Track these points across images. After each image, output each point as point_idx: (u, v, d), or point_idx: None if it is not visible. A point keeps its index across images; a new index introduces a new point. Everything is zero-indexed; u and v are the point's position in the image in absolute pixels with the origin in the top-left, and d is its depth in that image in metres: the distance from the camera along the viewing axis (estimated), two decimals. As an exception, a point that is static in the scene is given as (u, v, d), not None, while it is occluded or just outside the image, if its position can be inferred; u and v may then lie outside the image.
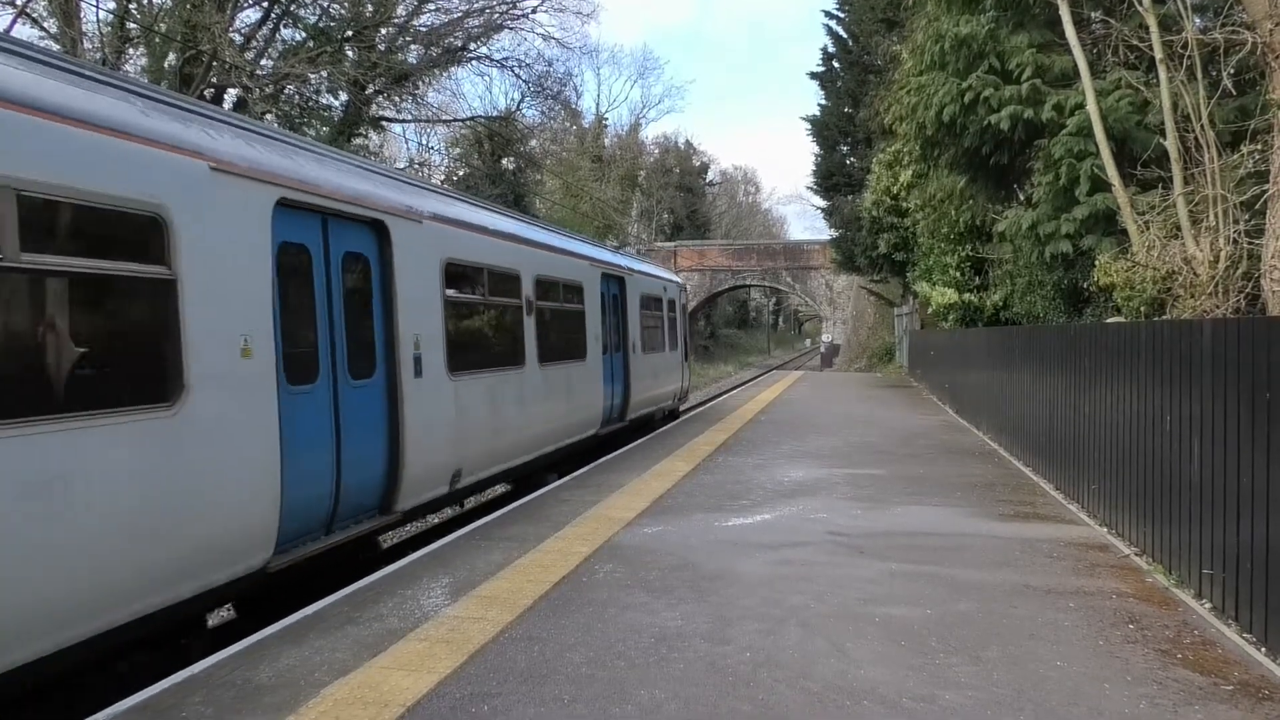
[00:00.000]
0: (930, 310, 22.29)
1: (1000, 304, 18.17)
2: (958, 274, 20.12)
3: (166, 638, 5.18)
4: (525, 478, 10.62)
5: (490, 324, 9.54)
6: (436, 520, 10.52)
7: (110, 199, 4.55)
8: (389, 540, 9.24)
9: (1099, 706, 3.96)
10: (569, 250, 12.26)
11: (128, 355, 4.81)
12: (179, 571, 4.91)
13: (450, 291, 8.26)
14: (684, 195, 62.32)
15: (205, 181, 5.22)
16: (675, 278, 20.42)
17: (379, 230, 7.16)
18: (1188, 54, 8.84)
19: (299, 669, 4.52)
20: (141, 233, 4.78)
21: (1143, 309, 9.09)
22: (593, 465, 11.18)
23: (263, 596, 6.04)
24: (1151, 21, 9.26)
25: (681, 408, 19.60)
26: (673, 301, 18.79)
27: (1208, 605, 5.26)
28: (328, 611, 5.45)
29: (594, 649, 4.72)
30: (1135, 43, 9.87)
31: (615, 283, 14.38)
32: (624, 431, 14.28)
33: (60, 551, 4.16)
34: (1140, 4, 9.40)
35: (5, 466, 3.91)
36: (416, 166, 35.75)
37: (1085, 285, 10.97)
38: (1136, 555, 6.45)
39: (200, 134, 5.38)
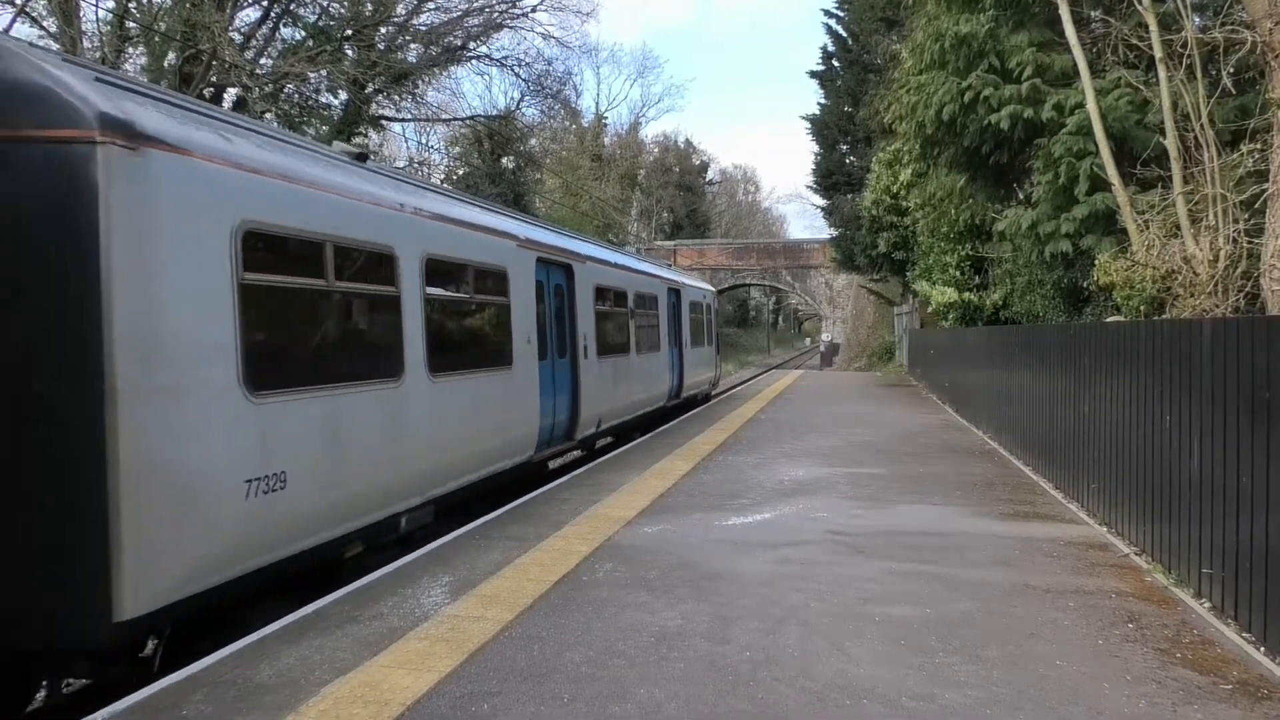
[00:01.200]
0: (930, 309, 22.30)
1: (1000, 303, 18.18)
2: (957, 273, 20.13)
3: (495, 493, 9.26)
4: (622, 434, 14.70)
5: (613, 325, 13.92)
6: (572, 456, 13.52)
7: (492, 265, 9.22)
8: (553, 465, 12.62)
9: (1098, 706, 3.96)
10: (651, 274, 17.18)
11: (497, 343, 9.37)
12: (507, 452, 9.43)
13: (596, 305, 12.81)
14: (684, 194, 62.39)
15: (515, 251, 9.83)
16: (710, 287, 25.04)
17: (567, 269, 11.75)
18: (1187, 53, 8.84)
19: (299, 668, 4.52)
20: (501, 280, 9.42)
21: (1142, 308, 9.09)
22: (592, 464, 11.20)
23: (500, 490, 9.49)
24: (1151, 21, 9.26)
25: (714, 393, 23.82)
26: (709, 306, 23.73)
27: (1207, 604, 5.27)
28: (328, 610, 5.45)
29: (594, 648, 4.73)
30: (1135, 42, 9.87)
31: (674, 294, 18.68)
32: (679, 406, 18.85)
33: (482, 431, 8.78)
34: (1140, 3, 9.40)
35: (467, 389, 8.41)
36: (416, 165, 35.75)
37: (1085, 284, 10.98)
38: (1136, 554, 6.46)
39: (511, 224, 10.30)
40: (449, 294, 8.24)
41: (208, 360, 5.11)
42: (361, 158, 7.64)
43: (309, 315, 6.22)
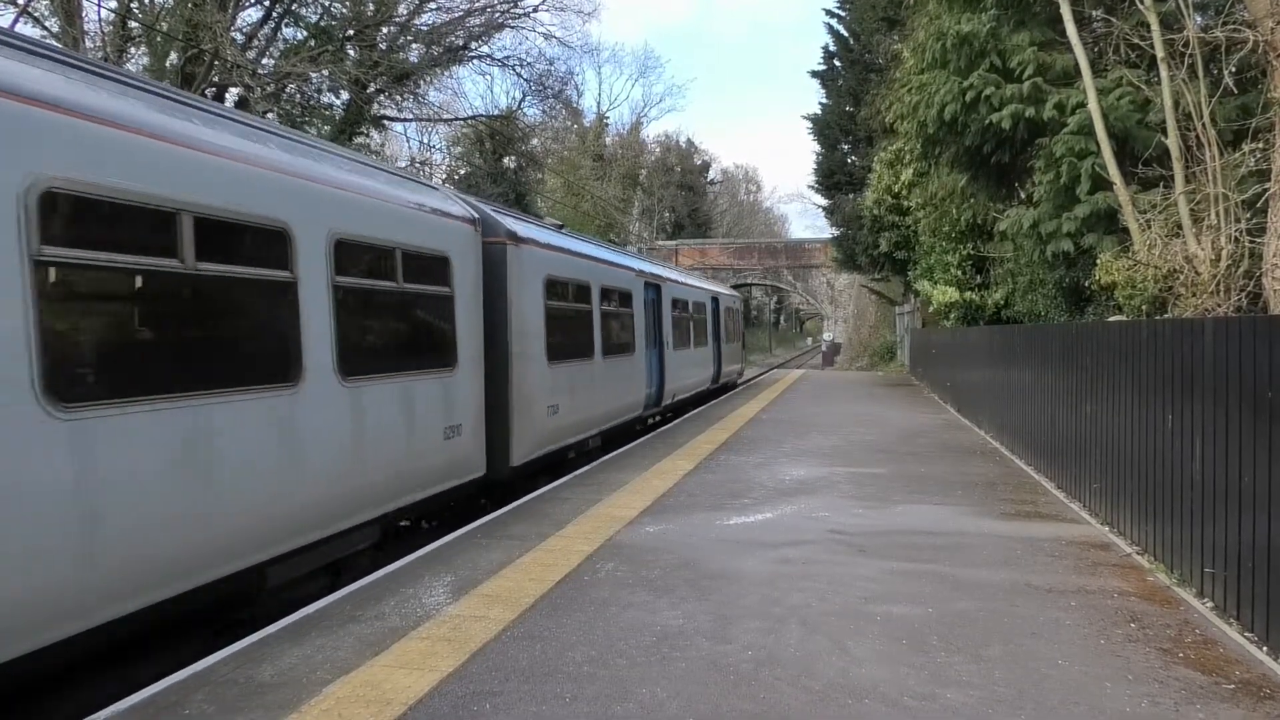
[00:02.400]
0: (931, 309, 22.28)
1: (1001, 302, 18.17)
2: (959, 272, 20.12)
3: (622, 433, 13.79)
4: (677, 408, 18.66)
5: (682, 326, 18.92)
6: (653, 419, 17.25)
7: (624, 288, 13.96)
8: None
9: (1100, 705, 3.96)
10: (703, 288, 22.72)
11: (627, 337, 14.02)
12: (630, 409, 14.12)
13: (673, 312, 17.83)
14: (685, 194, 62.30)
15: (634, 278, 14.66)
16: (736, 294, 30.70)
17: (658, 288, 16.62)
18: (1189, 52, 8.83)
19: (301, 667, 4.53)
20: (628, 297, 14.21)
21: (1144, 307, 9.08)
22: (594, 464, 11.21)
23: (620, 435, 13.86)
24: (1153, 20, 9.25)
25: (739, 381, 29.34)
26: (738, 311, 29.82)
27: (1209, 604, 5.26)
28: (330, 610, 5.46)
29: (595, 647, 4.73)
30: (1136, 41, 9.87)
31: (715, 302, 24.00)
32: (716, 390, 23.85)
33: (621, 393, 13.61)
34: (1141, 2, 9.40)
35: (616, 365, 13.18)
36: (418, 165, 35.74)
37: (1086, 284, 10.97)
38: (1138, 554, 6.46)
39: (633, 260, 15.89)
40: (609, 307, 13.09)
41: (535, 342, 9.92)
42: (560, 228, 12.60)
43: (559, 321, 10.75)
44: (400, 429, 7.15)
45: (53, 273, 4.25)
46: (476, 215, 8.83)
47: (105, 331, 4.70)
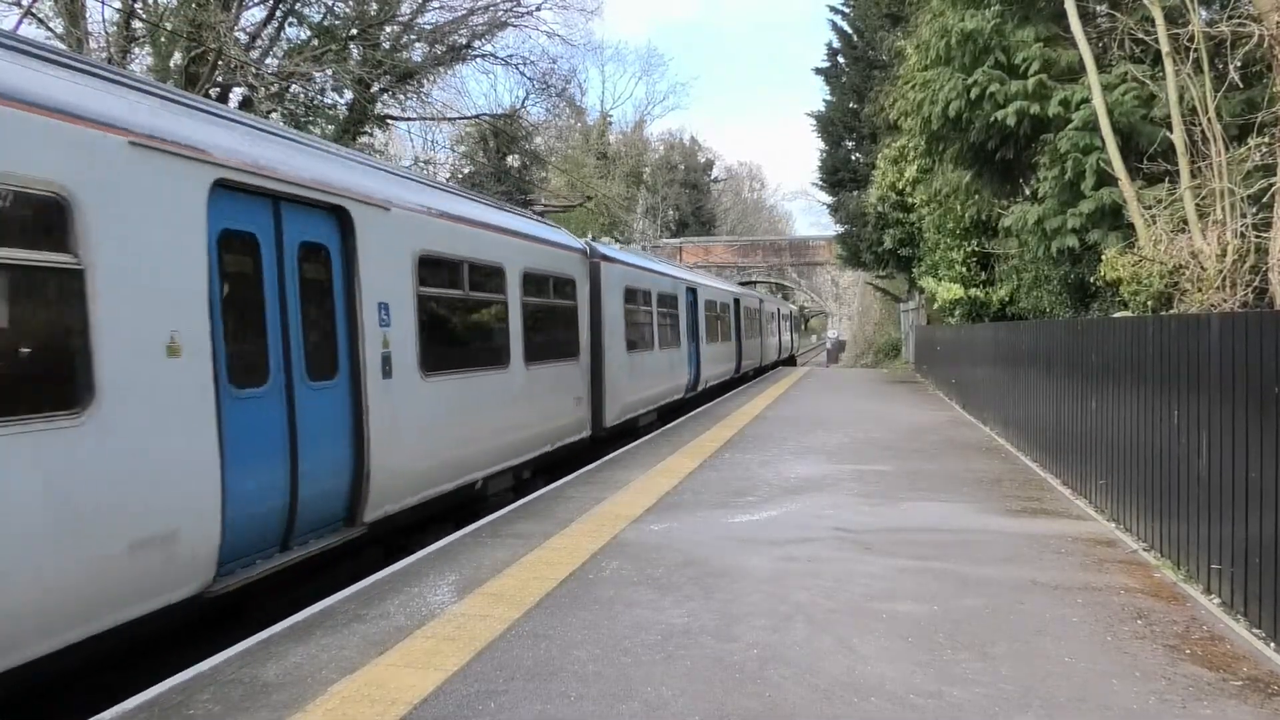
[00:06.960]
0: (936, 306, 22.23)
1: (1006, 299, 18.13)
2: (964, 269, 20.06)
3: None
4: (704, 394, 21.47)
5: (708, 324, 22.01)
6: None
7: (665, 293, 17.74)
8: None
9: (1107, 702, 3.95)
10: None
11: (674, 333, 18.51)
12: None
13: (704, 313, 21.25)
14: (689, 192, 62.31)
15: (680, 287, 19.01)
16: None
17: (693, 292, 20.22)
18: (1194, 47, 8.79)
19: (306, 666, 4.53)
20: (671, 302, 18.11)
21: (1149, 303, 9.05)
22: (599, 463, 11.20)
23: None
24: (1157, 14, 9.20)
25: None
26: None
27: (1216, 601, 5.25)
28: (335, 609, 5.47)
29: (601, 646, 4.73)
30: (1141, 36, 9.82)
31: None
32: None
33: (669, 373, 17.62)
34: (1146, -3, 9.35)
35: (662, 357, 16.97)
36: (422, 165, 35.73)
37: (1092, 280, 10.93)
38: (1145, 550, 6.44)
39: (680, 271, 21.72)
40: (652, 308, 16.30)
41: (615, 335, 13.27)
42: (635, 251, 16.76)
43: (632, 321, 14.36)
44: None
45: (422, 301, 7.69)
46: (584, 246, 12.87)
47: (439, 334, 8.11)
